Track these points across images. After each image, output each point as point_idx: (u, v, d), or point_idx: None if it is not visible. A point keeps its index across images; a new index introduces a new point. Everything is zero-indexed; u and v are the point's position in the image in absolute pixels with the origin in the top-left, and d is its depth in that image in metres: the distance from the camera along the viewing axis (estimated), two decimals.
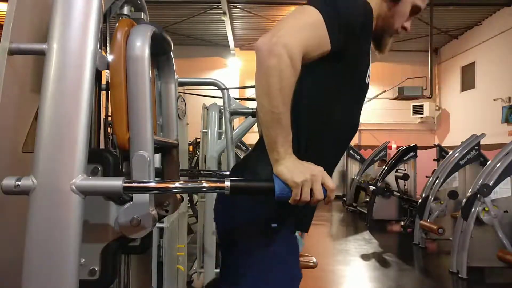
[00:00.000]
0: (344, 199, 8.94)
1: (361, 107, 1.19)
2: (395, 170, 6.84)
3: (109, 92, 0.95)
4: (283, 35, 0.87)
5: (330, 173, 1.14)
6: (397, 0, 1.11)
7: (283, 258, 1.07)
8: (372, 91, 10.28)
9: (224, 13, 8.62)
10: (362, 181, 7.72)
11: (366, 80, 1.12)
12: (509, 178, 3.91)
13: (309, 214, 1.20)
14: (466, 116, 9.94)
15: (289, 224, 1.10)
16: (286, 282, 1.07)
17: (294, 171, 0.86)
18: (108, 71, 0.93)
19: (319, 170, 0.87)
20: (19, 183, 0.76)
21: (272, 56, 0.85)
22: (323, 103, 1.06)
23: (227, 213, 1.12)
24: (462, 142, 5.21)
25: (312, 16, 0.94)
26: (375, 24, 1.11)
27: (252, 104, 2.87)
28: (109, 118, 0.99)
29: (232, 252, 1.11)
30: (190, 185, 0.89)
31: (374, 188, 6.79)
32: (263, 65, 0.87)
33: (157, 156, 1.33)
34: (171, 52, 1.17)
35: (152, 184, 0.84)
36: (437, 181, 5.10)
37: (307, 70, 0.96)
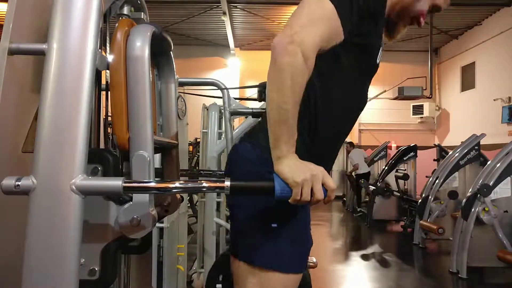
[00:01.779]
0: (344, 199, 8.94)
1: (369, 84, 1.20)
2: (395, 170, 6.84)
3: (109, 92, 0.95)
4: (298, 32, 0.89)
5: (336, 152, 1.17)
6: None
7: (295, 221, 1.05)
8: (372, 91, 10.29)
9: (224, 13, 8.61)
10: (362, 181, 7.71)
11: (377, 60, 1.13)
12: (509, 178, 3.91)
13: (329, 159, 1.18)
14: (466, 116, 9.94)
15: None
16: (298, 245, 1.07)
17: (295, 171, 0.86)
18: (108, 71, 0.93)
19: (319, 170, 0.87)
20: (19, 183, 0.76)
21: (287, 54, 0.87)
22: (334, 81, 1.07)
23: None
24: (462, 142, 5.21)
25: (324, 7, 0.94)
26: (391, 9, 1.12)
27: (252, 104, 2.87)
28: (109, 118, 0.99)
29: (241, 215, 1.09)
30: (190, 185, 0.89)
31: (374, 188, 6.79)
32: (277, 61, 0.88)
33: (157, 156, 1.33)
34: (171, 52, 1.17)
35: (152, 184, 0.84)
36: (437, 181, 5.10)
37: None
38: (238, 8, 8.77)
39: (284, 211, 1.03)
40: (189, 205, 5.21)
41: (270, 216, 1.04)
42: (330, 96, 1.07)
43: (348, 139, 8.31)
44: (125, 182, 0.79)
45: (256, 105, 2.83)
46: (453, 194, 5.02)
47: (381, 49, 1.13)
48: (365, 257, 4.82)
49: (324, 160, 1.08)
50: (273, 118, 0.89)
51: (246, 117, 3.01)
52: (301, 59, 0.87)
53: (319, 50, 0.93)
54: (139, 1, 1.15)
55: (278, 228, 1.03)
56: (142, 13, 1.17)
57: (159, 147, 1.11)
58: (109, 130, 1.05)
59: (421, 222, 5.08)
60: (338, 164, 9.39)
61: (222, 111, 2.75)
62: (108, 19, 1.08)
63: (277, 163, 0.89)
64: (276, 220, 1.03)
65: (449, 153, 5.44)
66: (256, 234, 1.05)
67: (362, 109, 1.19)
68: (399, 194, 6.66)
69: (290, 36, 0.88)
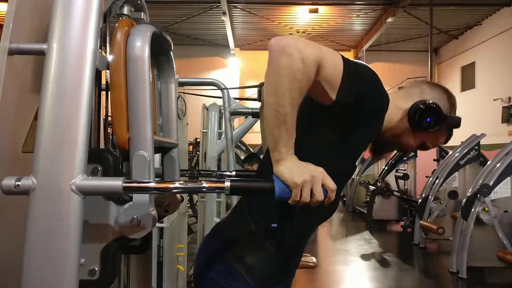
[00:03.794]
0: (344, 199, 8.94)
1: (345, 184, 1.17)
2: (395, 170, 6.84)
3: (109, 92, 0.95)
4: (299, 40, 0.86)
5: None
6: (417, 128, 1.09)
7: None
8: None
9: (224, 13, 8.62)
10: (362, 181, 7.72)
11: (356, 163, 1.10)
12: (509, 178, 3.91)
13: (291, 270, 1.16)
14: (466, 116, 9.84)
15: (268, 281, 1.06)
16: None
17: (295, 172, 0.86)
18: (108, 71, 0.93)
19: (319, 171, 0.87)
20: (19, 183, 0.76)
21: (284, 55, 0.84)
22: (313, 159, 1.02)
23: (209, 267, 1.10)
24: (462, 142, 5.21)
25: (335, 54, 0.92)
26: (382, 132, 1.09)
27: (252, 104, 2.87)
28: (109, 118, 0.99)
29: None
30: (190, 185, 0.89)
31: (374, 188, 6.79)
32: (274, 63, 0.85)
33: (157, 156, 1.33)
34: (171, 52, 1.17)
35: (152, 184, 0.84)
36: (437, 181, 5.10)
37: (307, 122, 0.97)
38: (238, 8, 8.77)
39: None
40: (189, 205, 5.21)
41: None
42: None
43: None
44: (125, 182, 0.79)
45: (256, 105, 2.82)
46: (453, 194, 5.01)
47: (362, 154, 1.10)
48: (365, 257, 4.82)
49: None
50: (271, 122, 0.88)
51: (246, 117, 3.01)
52: (299, 63, 0.84)
53: (316, 82, 0.88)
54: (139, 1, 1.15)
55: None
56: (142, 13, 1.17)
57: (159, 147, 1.11)
58: (109, 130, 1.05)
59: (421, 222, 5.08)
60: None
61: (222, 111, 2.75)
62: (108, 19, 1.08)
63: (276, 165, 0.89)
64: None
65: (449, 153, 5.44)
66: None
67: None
68: (399, 194, 6.66)
69: (289, 40, 0.85)
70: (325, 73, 0.89)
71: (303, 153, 0.98)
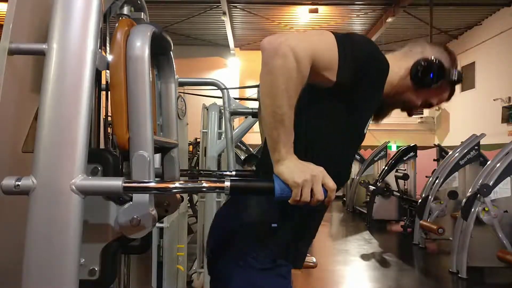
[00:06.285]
0: (344, 199, 8.95)
1: (354, 155, 1.18)
2: (395, 170, 6.84)
3: (109, 92, 0.95)
4: (291, 38, 0.86)
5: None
6: (420, 86, 1.10)
7: None
8: None
9: (224, 13, 8.61)
10: (362, 181, 7.72)
11: (365, 130, 1.11)
12: (509, 178, 3.91)
13: (303, 249, 1.18)
14: (466, 116, 9.94)
15: (281, 259, 1.07)
16: None
17: (295, 171, 0.86)
18: (108, 71, 0.93)
19: (319, 171, 0.87)
20: (19, 183, 0.76)
21: (278, 55, 0.84)
22: (320, 139, 1.04)
23: (223, 232, 1.12)
24: (462, 142, 5.21)
25: (327, 38, 0.93)
26: (387, 91, 1.09)
27: (252, 104, 2.87)
28: (109, 118, 0.99)
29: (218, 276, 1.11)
30: (190, 185, 0.89)
31: (374, 188, 6.79)
32: (268, 64, 0.85)
33: (157, 156, 1.33)
34: (171, 52, 1.17)
35: (152, 184, 0.84)
36: (437, 181, 5.10)
37: (309, 103, 0.97)
38: (238, 8, 8.77)
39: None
40: (189, 205, 5.21)
41: None
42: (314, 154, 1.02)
43: None
44: (125, 182, 0.79)
45: (256, 105, 2.82)
46: (453, 194, 5.01)
47: (369, 120, 1.12)
48: (365, 257, 4.82)
49: None
50: (269, 123, 0.88)
51: (246, 117, 3.01)
52: (293, 62, 0.84)
53: (312, 74, 0.89)
54: (139, 1, 1.15)
55: None
56: (142, 13, 1.16)
57: (159, 147, 1.11)
58: (109, 130, 1.05)
59: (421, 222, 5.08)
60: None
61: (222, 111, 2.75)
62: (108, 19, 1.08)
63: (276, 165, 0.89)
64: None
65: (449, 153, 5.44)
66: None
67: (345, 175, 1.14)
68: (399, 194, 6.66)
69: (282, 39, 0.85)
70: (322, 62, 0.90)
71: (311, 138, 1.02)
